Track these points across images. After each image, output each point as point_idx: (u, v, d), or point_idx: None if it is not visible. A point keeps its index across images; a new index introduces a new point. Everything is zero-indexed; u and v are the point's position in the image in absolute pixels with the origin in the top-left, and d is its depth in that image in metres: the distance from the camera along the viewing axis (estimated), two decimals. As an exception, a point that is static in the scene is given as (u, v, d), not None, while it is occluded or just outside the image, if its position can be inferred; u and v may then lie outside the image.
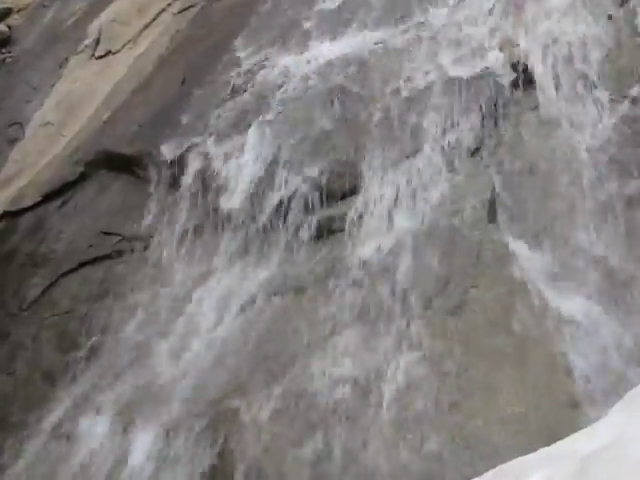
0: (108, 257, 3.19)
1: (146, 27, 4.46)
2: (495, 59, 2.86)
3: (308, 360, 2.36)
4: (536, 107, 2.71)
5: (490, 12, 3.07)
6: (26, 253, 3.38)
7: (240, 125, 3.17)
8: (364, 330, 2.40)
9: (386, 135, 2.85)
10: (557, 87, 2.72)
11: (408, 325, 2.36)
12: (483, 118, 2.76)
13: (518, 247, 2.43)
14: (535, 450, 1.30)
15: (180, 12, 4.41)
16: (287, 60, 3.35)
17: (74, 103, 4.30)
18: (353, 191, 2.80)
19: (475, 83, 2.82)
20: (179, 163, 3.20)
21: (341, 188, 2.83)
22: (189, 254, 2.97)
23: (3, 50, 5.30)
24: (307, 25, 3.51)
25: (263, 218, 2.84)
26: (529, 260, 2.38)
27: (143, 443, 2.39)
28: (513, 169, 2.63)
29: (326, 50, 3.28)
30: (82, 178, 3.56)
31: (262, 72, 3.38)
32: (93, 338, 2.90)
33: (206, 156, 3.15)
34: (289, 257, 2.74)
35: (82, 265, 3.22)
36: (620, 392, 1.53)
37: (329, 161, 2.89)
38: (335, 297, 2.51)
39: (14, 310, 3.17)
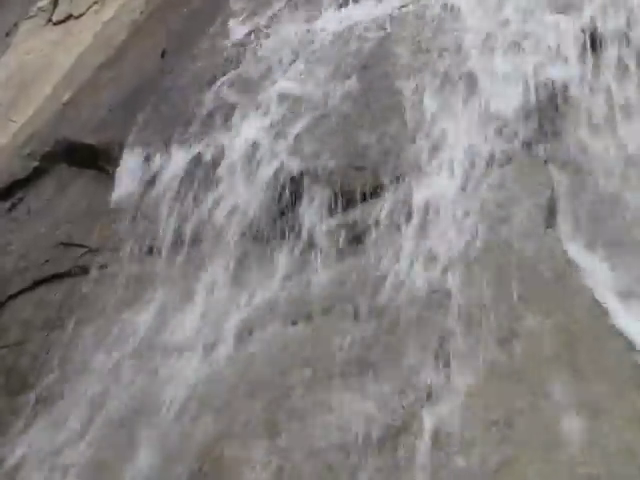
0: (69, 274, 3.18)
1: (117, -15, 4.48)
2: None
3: (318, 407, 2.35)
4: (608, 89, 2.73)
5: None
6: (-37, 270, 3.37)
7: (235, 108, 3.20)
8: (389, 368, 2.39)
9: (418, 120, 2.86)
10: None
11: (445, 361, 2.35)
12: (541, 101, 2.79)
13: (584, 260, 2.42)
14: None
15: (158, -34, 4.42)
16: (293, 28, 3.40)
17: (26, 80, 4.39)
18: (377, 191, 2.80)
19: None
20: (158, 157, 3.22)
21: (362, 187, 2.82)
22: (171, 270, 2.96)
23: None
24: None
25: (262, 224, 2.85)
26: (599, 277, 2.37)
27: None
28: (578, 164, 2.64)
29: (344, 15, 3.36)
30: (36, 175, 3.57)
31: (262, 43, 3.43)
32: (50, 376, 2.87)
33: (192, 147, 3.17)
34: (296, 274, 2.73)
35: (37, 284, 3.21)
36: None
37: (347, 153, 2.90)
38: (354, 327, 2.51)
39: (-51, 342, 3.17)
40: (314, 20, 3.48)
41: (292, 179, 2.94)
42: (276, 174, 2.96)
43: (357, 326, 2.52)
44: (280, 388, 2.47)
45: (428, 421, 2.23)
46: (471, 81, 2.98)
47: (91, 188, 3.44)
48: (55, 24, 4.60)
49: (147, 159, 3.30)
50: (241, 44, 3.54)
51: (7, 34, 4.74)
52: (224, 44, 3.62)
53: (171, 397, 2.56)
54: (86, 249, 3.22)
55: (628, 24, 2.93)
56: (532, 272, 2.45)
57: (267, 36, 3.53)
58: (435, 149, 2.84)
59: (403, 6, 3.36)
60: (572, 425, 2.12)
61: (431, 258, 2.58)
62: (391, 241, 2.67)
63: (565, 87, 2.86)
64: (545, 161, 2.72)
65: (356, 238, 2.75)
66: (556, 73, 2.90)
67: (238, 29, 3.62)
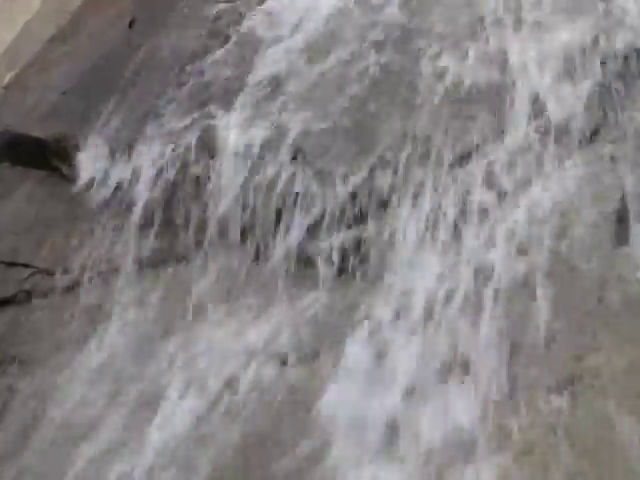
0: (13, 301, 3.18)
1: None
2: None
3: (324, 474, 2.37)
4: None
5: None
6: None
7: (222, 93, 3.21)
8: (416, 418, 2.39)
9: (448, 113, 2.91)
10: None
11: (489, 412, 2.35)
12: (602, 86, 2.84)
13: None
14: None
15: None
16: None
17: (-45, 56, 4.26)
18: (392, 199, 2.83)
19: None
20: (127, 155, 3.20)
21: (376, 194, 2.83)
22: (145, 296, 2.96)
23: None
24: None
25: (255, 242, 2.85)
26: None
27: None
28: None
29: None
30: (-31, 176, 3.52)
31: (257, 9, 3.48)
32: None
33: (171, 143, 3.17)
34: (296, 302, 2.75)
35: (-30, 314, 3.17)
36: None
37: (354, 152, 2.92)
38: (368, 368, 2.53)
39: None
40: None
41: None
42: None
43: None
44: (280, 449, 2.49)
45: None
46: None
47: (40, 193, 3.42)
48: (-6, -13, 4.63)
49: (111, 157, 3.29)
50: (231, 10, 3.58)
51: None
52: (208, 11, 3.64)
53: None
54: (34, 269, 3.22)
55: None
56: (598, 300, 2.47)
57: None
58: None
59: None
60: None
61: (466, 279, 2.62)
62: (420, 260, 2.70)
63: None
64: (612, 158, 2.74)
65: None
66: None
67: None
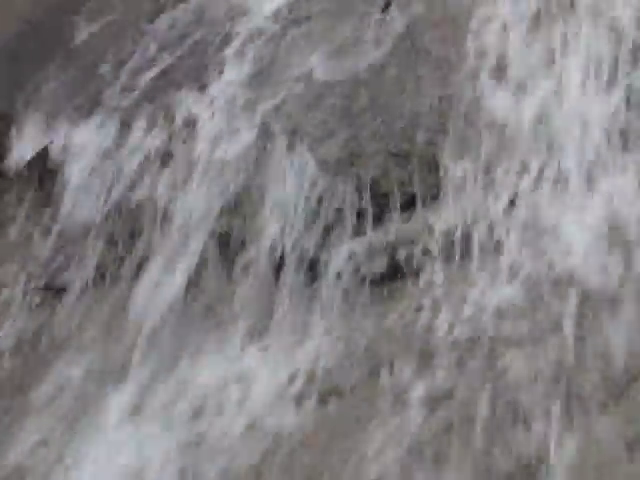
0: None
1: None
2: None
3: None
4: None
5: None
6: None
7: (199, 65, 3.09)
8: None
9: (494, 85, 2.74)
10: None
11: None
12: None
13: None
14: None
15: None
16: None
17: None
18: (430, 195, 2.69)
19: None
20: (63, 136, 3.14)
21: (406, 188, 2.70)
22: (112, 319, 2.77)
23: None
24: None
25: (253, 252, 2.67)
26: None
27: None
28: None
29: None
30: None
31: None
32: None
33: (126, 130, 3.07)
34: (314, 325, 2.57)
35: None
36: None
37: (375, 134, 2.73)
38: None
39: None
40: None
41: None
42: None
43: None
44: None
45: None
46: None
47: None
48: None
49: (47, 139, 3.21)
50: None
51: None
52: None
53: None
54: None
55: None
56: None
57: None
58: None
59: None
60: None
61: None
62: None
63: None
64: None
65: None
66: None
67: None
